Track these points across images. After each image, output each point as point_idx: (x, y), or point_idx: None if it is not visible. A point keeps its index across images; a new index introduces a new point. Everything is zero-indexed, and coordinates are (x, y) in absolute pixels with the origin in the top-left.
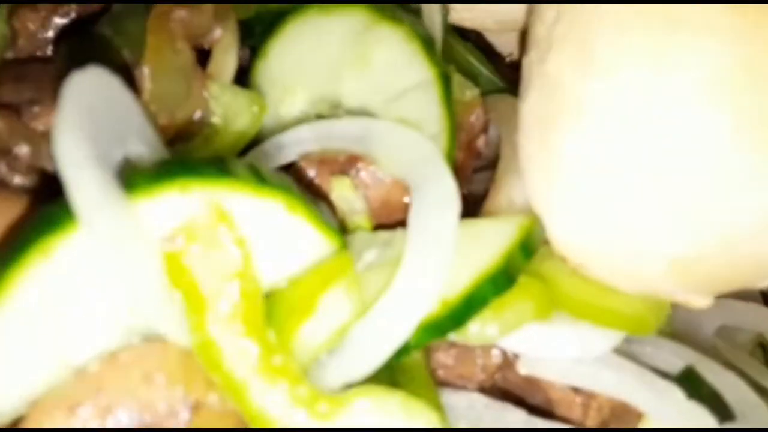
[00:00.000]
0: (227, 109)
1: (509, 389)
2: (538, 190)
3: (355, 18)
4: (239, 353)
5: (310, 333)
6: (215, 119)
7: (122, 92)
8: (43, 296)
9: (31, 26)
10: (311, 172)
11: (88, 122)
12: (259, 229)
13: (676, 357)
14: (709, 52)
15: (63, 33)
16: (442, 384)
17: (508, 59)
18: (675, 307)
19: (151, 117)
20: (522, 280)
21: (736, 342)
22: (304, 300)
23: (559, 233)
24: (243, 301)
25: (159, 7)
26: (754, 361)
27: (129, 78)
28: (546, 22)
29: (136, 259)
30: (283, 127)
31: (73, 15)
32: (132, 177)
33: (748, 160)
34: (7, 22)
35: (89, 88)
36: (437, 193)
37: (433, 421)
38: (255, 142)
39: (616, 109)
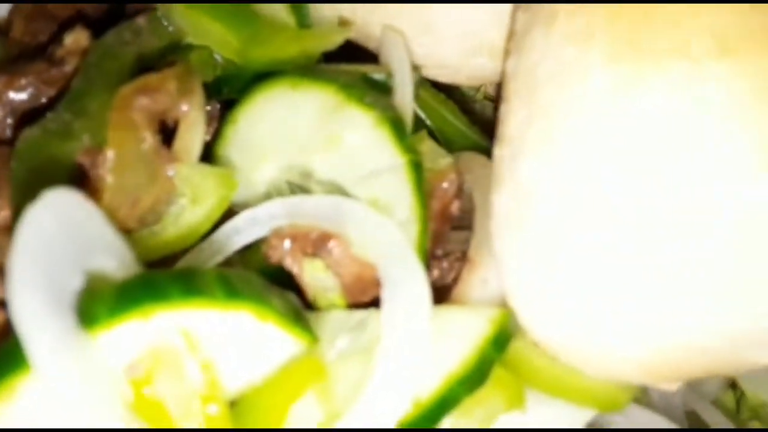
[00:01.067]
0: (196, 190)
1: None
2: (513, 283)
3: (324, 96)
4: None
5: None
6: (183, 200)
7: (86, 209)
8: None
9: None
10: (283, 249)
11: (45, 256)
12: (227, 340)
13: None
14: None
15: (20, 113)
16: None
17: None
18: None
19: (112, 211)
20: (494, 372)
21: (703, 388)
22: (275, 408)
23: (532, 325)
24: (209, 424)
25: (121, 94)
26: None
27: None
28: (518, 118)
29: (95, 397)
30: (255, 195)
31: (30, 90)
32: (91, 309)
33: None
34: None
35: (48, 217)
36: (409, 294)
37: None
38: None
39: (589, 216)
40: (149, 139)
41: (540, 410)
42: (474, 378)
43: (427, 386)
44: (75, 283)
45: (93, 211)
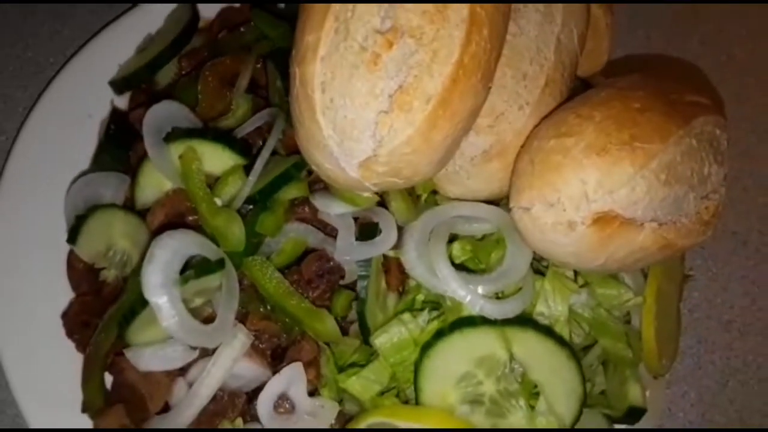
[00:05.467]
0: (238, 103)
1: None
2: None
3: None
4: (203, 195)
5: (227, 192)
6: (233, 107)
7: (179, 107)
8: None
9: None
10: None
11: (155, 124)
12: (212, 155)
13: (375, 216)
14: None
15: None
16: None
17: None
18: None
19: (204, 109)
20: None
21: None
22: (225, 179)
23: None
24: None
25: (205, 66)
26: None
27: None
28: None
29: (167, 163)
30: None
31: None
32: (168, 137)
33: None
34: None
35: (161, 108)
36: (273, 136)
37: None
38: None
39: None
40: (214, 83)
41: (336, 204)
42: (283, 177)
43: (271, 176)
44: (167, 129)
45: (184, 109)
